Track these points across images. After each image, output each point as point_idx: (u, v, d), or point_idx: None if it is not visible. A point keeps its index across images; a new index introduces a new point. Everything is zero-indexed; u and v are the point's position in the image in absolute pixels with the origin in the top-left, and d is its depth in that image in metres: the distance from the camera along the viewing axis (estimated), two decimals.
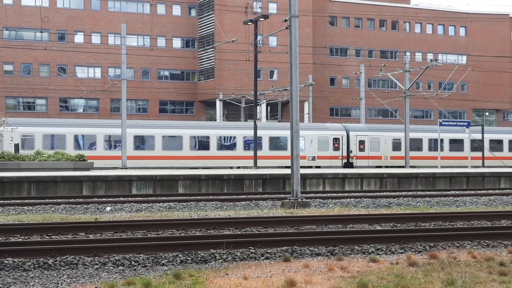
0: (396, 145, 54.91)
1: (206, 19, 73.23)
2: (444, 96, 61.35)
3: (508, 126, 71.81)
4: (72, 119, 56.02)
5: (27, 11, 67.95)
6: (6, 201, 24.93)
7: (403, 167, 50.13)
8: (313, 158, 51.18)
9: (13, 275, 11.44)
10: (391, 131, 55.51)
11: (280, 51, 65.17)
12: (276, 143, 51.33)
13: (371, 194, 29.89)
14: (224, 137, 50.14)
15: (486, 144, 56.05)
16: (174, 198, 27.02)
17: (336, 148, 53.07)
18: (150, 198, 27.39)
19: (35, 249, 12.82)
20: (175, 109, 74.47)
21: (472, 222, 18.64)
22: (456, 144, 56.62)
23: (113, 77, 66.69)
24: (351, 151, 53.62)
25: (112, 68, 69.55)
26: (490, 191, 32.36)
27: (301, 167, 47.65)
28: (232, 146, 50.20)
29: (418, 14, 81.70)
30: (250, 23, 47.47)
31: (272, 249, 13.49)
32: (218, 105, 70.31)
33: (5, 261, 12.08)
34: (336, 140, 53.10)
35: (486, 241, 14.82)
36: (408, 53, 76.29)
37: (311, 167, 50.58)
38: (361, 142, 53.79)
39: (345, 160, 53.11)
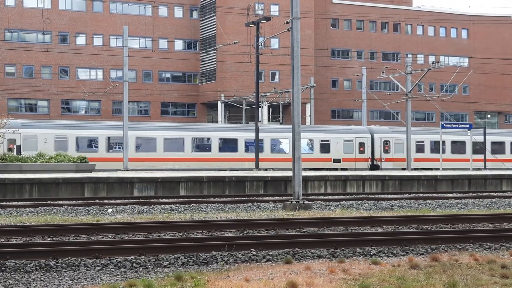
0: (61, 144, 45.76)
1: (208, 21, 73.28)
2: (446, 98, 61.33)
3: (510, 128, 71.75)
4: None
5: (29, 13, 68.03)
6: (8, 203, 24.93)
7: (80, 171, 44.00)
8: None
9: (14, 276, 11.44)
10: (53, 127, 46.58)
11: (281, 53, 65.20)
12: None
13: (373, 196, 29.88)
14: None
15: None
16: (175, 200, 27.04)
17: None
18: (151, 200, 27.38)
19: (37, 250, 12.82)
20: (176, 111, 74.51)
21: (474, 224, 18.62)
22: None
23: (114, 79, 66.77)
24: None
25: (113, 70, 69.60)
26: (492, 194, 32.35)
27: None
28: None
29: (420, 16, 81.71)
30: (252, 25, 47.49)
31: (274, 251, 13.48)
32: (220, 107, 70.36)
33: (7, 263, 12.08)
34: None
35: (488, 244, 14.81)
36: (410, 55, 76.30)
37: None
38: (11, 141, 43.59)
39: None
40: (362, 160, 52.17)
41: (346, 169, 50.04)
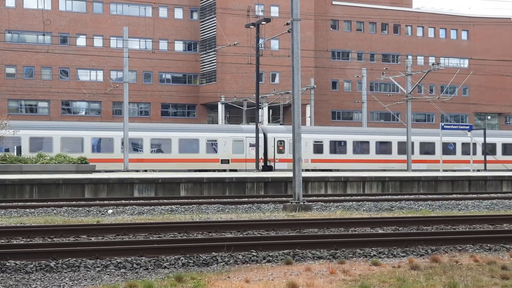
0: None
1: (208, 22, 73.30)
2: (446, 100, 61.34)
3: (510, 130, 71.74)
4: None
5: (30, 14, 68.05)
6: (8, 204, 24.94)
7: None
8: None
9: (15, 277, 11.44)
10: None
11: (282, 54, 65.20)
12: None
13: (373, 197, 29.88)
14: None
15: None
16: (176, 201, 27.06)
17: None
18: (152, 201, 27.40)
19: (37, 251, 12.82)
20: (177, 112, 74.53)
21: (474, 225, 18.62)
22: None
23: (115, 80, 66.76)
24: None
25: (114, 71, 69.63)
26: (492, 195, 32.32)
27: None
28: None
29: (420, 18, 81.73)
30: (252, 27, 47.51)
31: (274, 252, 13.48)
32: (220, 108, 70.39)
33: (7, 264, 12.08)
34: None
35: (488, 245, 14.80)
36: (410, 57, 76.17)
37: None
38: None
39: None
40: (253, 161, 47.24)
41: (235, 170, 47.19)
